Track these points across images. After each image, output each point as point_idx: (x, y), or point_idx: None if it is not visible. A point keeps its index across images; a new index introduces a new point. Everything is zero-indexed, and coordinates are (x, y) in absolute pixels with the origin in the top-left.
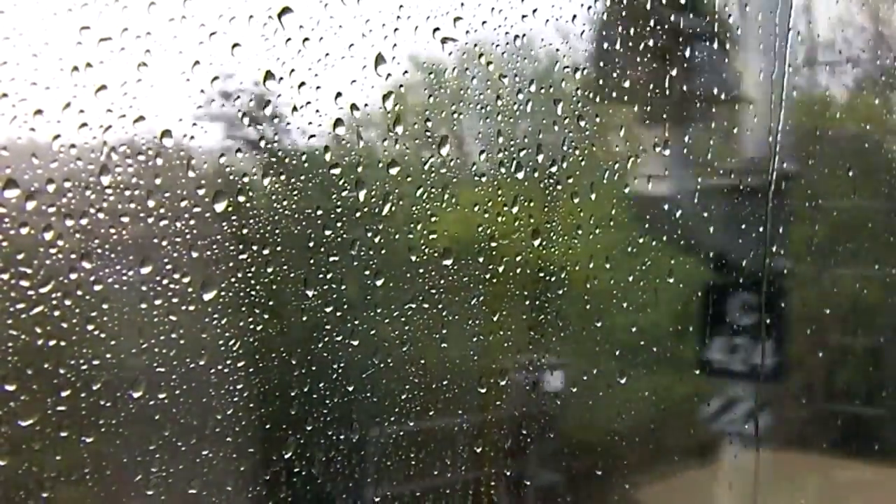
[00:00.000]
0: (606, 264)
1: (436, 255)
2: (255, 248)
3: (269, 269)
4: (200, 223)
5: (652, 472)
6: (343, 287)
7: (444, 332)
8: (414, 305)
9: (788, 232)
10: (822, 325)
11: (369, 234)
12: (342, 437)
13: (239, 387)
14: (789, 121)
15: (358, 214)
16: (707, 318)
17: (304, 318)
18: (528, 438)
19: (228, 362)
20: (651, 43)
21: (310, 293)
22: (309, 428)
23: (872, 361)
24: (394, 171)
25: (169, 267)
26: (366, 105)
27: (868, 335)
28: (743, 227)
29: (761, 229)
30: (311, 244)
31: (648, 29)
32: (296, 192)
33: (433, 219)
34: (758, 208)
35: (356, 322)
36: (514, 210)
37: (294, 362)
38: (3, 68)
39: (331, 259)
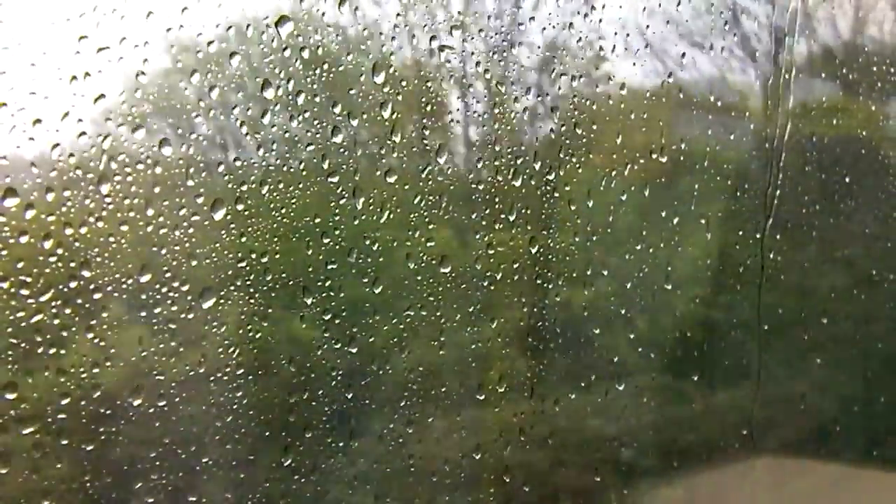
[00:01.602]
0: None
1: None
2: (253, 255)
3: (268, 278)
4: (199, 231)
5: None
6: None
7: None
8: None
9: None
10: None
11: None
12: (342, 444)
13: (238, 394)
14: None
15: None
16: None
17: (303, 326)
18: None
19: (228, 370)
20: None
21: (308, 301)
22: (308, 435)
23: None
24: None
25: (168, 275)
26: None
27: None
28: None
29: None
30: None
31: None
32: (294, 201)
33: None
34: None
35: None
36: None
37: (293, 370)
38: (2, 78)
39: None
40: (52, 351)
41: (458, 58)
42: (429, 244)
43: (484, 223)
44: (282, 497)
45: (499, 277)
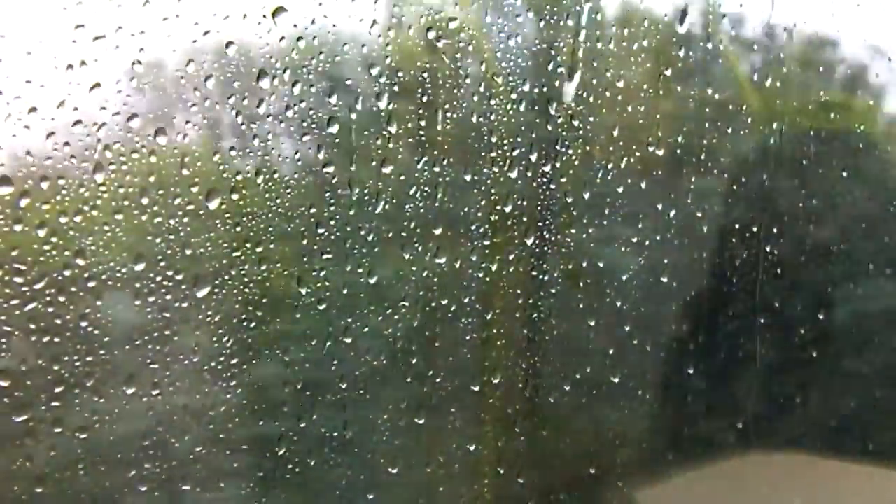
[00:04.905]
0: None
1: None
2: (248, 245)
3: (263, 267)
4: (194, 221)
5: None
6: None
7: None
8: None
9: None
10: None
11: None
12: (335, 434)
13: (232, 384)
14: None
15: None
16: None
17: (298, 316)
18: None
19: (222, 359)
20: None
21: (303, 291)
22: (302, 425)
23: None
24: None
25: (163, 264)
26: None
27: None
28: None
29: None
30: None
31: None
32: (289, 191)
33: None
34: None
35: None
36: None
37: (287, 360)
38: None
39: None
40: (45, 339)
41: None
42: None
43: None
44: None
45: None
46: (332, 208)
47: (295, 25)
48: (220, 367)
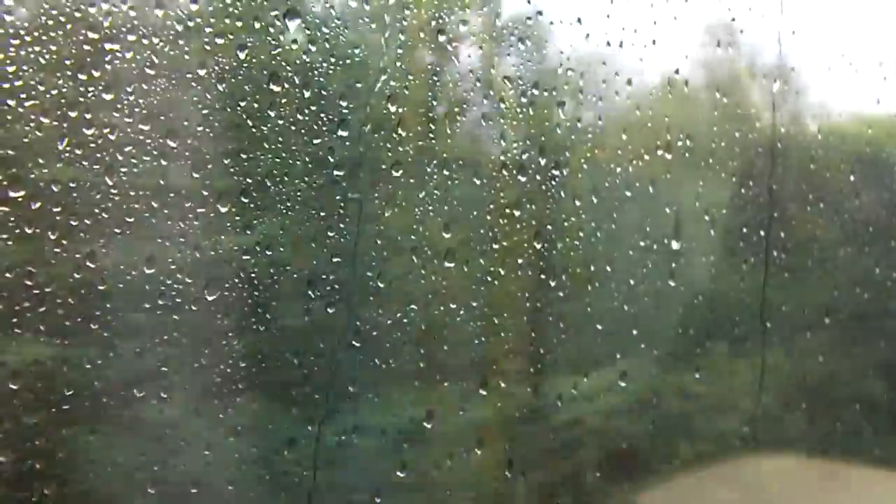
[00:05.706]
0: None
1: None
2: (259, 249)
3: (272, 270)
4: (205, 225)
5: None
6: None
7: None
8: None
9: None
10: None
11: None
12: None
13: (241, 386)
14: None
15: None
16: None
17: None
18: None
19: (231, 362)
20: None
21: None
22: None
23: None
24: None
25: (173, 267)
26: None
27: None
28: None
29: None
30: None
31: None
32: (300, 194)
33: None
34: None
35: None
36: None
37: (297, 362)
38: (11, 68)
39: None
40: (56, 342)
41: None
42: None
43: None
44: None
45: None
46: (341, 211)
47: (307, 29)
48: (228, 370)
